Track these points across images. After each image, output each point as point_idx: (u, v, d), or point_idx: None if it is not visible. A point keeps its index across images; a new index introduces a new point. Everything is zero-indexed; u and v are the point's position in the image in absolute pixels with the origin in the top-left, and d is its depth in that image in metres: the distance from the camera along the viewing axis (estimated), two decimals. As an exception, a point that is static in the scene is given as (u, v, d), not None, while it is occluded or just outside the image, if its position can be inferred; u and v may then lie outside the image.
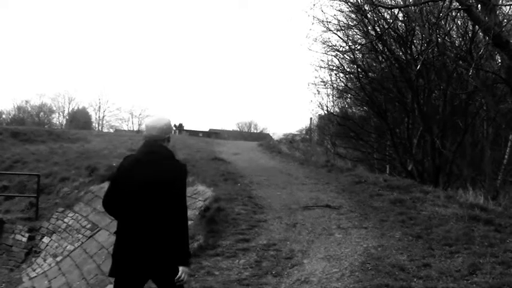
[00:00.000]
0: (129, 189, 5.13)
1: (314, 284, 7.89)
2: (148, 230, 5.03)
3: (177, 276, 4.98)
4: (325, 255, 9.25)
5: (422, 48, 20.01)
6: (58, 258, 15.99)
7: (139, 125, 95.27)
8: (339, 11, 22.56)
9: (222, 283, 8.37)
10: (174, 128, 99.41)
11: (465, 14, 17.25)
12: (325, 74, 40.37)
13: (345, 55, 23.79)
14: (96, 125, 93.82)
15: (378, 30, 20.99)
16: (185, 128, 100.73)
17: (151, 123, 5.41)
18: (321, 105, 28.81)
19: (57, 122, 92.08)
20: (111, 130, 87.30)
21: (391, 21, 20.50)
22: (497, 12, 17.36)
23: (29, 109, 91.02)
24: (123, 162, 5.38)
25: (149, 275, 5.13)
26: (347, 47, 23.19)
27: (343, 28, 22.52)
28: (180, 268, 5.02)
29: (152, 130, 5.36)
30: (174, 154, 5.50)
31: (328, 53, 24.25)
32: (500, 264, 7.86)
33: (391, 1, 21.03)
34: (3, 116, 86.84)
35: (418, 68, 19.28)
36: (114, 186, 5.29)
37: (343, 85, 26.35)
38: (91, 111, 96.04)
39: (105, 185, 19.45)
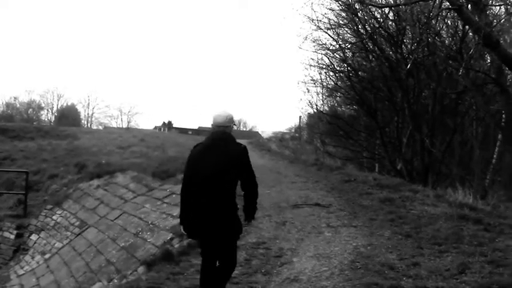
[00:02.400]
0: (204, 170, 6.25)
1: (303, 283, 7.88)
2: (218, 203, 6.19)
3: (245, 222, 6.67)
4: (314, 254, 9.24)
5: (413, 47, 20.06)
6: (46, 256, 15.93)
7: (128, 122, 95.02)
8: (330, 9, 22.60)
9: (212, 281, 8.36)
10: (163, 125, 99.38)
11: (455, 14, 17.28)
12: (315, 73, 40.13)
13: (335, 54, 23.81)
14: (85, 122, 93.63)
15: (369, 29, 21.01)
16: (174, 126, 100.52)
17: (218, 113, 6.58)
18: (310, 104, 28.65)
19: (46, 119, 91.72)
20: (100, 127, 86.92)
21: (381, 20, 20.52)
22: (488, 12, 17.42)
23: (18, 106, 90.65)
24: (193, 149, 6.63)
25: (217, 242, 6.41)
26: (337, 46, 23.22)
27: (333, 27, 22.55)
28: (247, 221, 6.68)
29: (218, 118, 6.52)
30: (235, 139, 6.59)
31: (319, 51, 24.41)
32: (489, 263, 7.86)
33: (381, 0, 21.06)
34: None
35: (408, 67, 19.31)
36: (188, 171, 6.47)
37: (333, 84, 26.40)
38: (80, 108, 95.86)
39: (95, 182, 19.46)
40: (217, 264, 6.64)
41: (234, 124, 6.88)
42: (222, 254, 6.53)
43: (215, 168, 6.20)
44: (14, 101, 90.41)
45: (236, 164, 6.32)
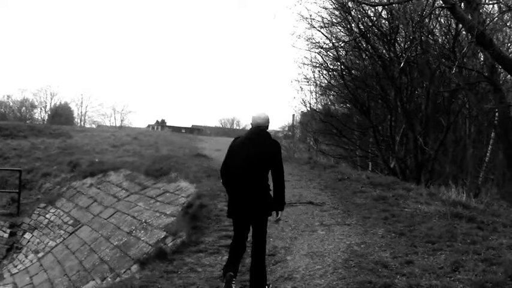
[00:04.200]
0: (241, 159, 7.50)
1: (297, 281, 7.89)
2: (253, 185, 7.50)
3: (277, 216, 7.74)
4: (308, 252, 9.25)
5: (406, 46, 20.07)
6: (40, 255, 15.91)
7: (121, 120, 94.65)
8: (323, 8, 22.60)
9: (205, 280, 8.36)
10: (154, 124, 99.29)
11: (449, 13, 17.31)
12: (308, 71, 40.29)
13: (328, 52, 23.78)
14: (79, 121, 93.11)
15: (362, 27, 21.01)
16: (168, 124, 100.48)
17: (257, 115, 7.83)
18: (303, 102, 28.92)
19: (39, 117, 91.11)
20: (94, 126, 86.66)
21: (374, 18, 20.53)
22: (480, 10, 17.45)
23: (11, 104, 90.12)
24: (233, 142, 7.90)
25: (252, 218, 7.67)
26: (330, 44, 23.20)
27: (326, 25, 22.56)
28: (279, 212, 7.70)
29: (258, 119, 7.75)
30: (271, 136, 7.89)
31: (312, 50, 24.37)
32: (483, 261, 7.87)
33: (375, -1, 21.10)
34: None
35: (401, 65, 19.32)
36: (228, 158, 7.76)
37: (326, 82, 26.41)
38: (73, 107, 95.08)
39: (88, 181, 19.43)
40: (251, 240, 7.88)
41: (269, 123, 7.95)
42: (256, 229, 7.74)
43: (252, 157, 7.46)
44: (7, 99, 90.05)
45: (269, 155, 7.54)
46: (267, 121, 7.88)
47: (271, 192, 7.76)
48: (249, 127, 8.32)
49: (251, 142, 7.64)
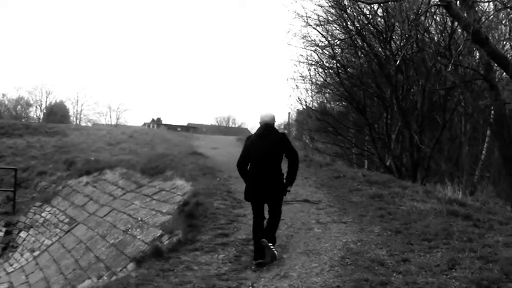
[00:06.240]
0: (257, 151, 8.97)
1: (293, 279, 7.88)
2: (269, 172, 8.98)
3: (288, 189, 9.24)
4: (304, 250, 9.24)
5: (402, 44, 20.09)
6: (35, 253, 15.89)
7: (117, 119, 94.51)
8: (319, 6, 22.64)
9: (202, 278, 8.33)
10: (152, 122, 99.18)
11: (444, 10, 17.31)
12: (304, 69, 40.37)
13: (324, 50, 23.79)
14: (74, 119, 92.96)
15: (358, 25, 21.03)
16: (163, 122, 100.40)
17: (265, 114, 9.26)
18: (299, 100, 28.85)
19: (35, 116, 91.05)
20: (89, 124, 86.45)
21: (370, 16, 20.55)
22: (476, 8, 17.46)
23: (6, 102, 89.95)
24: (247, 139, 9.49)
25: (266, 199, 9.12)
26: (326, 42, 23.23)
27: (322, 23, 22.57)
28: (289, 187, 9.28)
29: (265, 118, 9.16)
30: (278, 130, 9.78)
31: (308, 48, 24.42)
32: (479, 259, 7.87)
33: (370, -4, 21.10)
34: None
35: (397, 63, 19.34)
36: (246, 152, 9.22)
37: (322, 80, 26.43)
38: (69, 105, 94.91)
39: (83, 179, 19.40)
40: (267, 217, 9.21)
41: (275, 120, 9.43)
42: (272, 208, 9.12)
43: (266, 149, 8.90)
44: (2, 97, 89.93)
45: (280, 145, 9.00)
46: (273, 119, 9.30)
47: (285, 178, 9.22)
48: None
49: (262, 137, 9.05)
